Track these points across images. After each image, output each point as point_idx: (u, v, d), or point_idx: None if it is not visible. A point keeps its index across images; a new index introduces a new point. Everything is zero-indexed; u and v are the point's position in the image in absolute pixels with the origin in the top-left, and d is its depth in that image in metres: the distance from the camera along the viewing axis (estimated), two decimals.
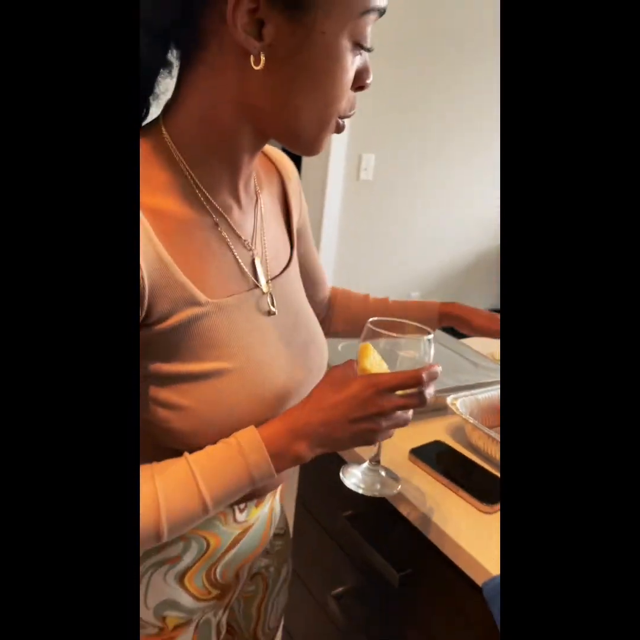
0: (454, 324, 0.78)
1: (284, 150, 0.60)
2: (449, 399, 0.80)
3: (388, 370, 0.53)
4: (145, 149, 0.48)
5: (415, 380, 0.49)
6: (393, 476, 0.60)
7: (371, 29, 0.48)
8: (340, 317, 0.82)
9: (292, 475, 0.64)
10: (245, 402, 0.50)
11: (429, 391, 0.51)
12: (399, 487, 0.60)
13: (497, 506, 0.65)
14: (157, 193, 0.47)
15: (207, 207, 0.50)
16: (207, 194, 0.50)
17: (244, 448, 0.47)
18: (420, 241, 2.75)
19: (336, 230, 2.40)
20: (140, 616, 0.56)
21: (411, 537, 0.67)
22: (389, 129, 2.42)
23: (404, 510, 0.67)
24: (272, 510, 0.63)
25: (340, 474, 0.60)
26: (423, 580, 0.67)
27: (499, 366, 0.95)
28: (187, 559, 0.55)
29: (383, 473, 0.60)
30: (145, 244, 0.44)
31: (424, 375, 0.49)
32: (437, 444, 0.77)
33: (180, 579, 0.56)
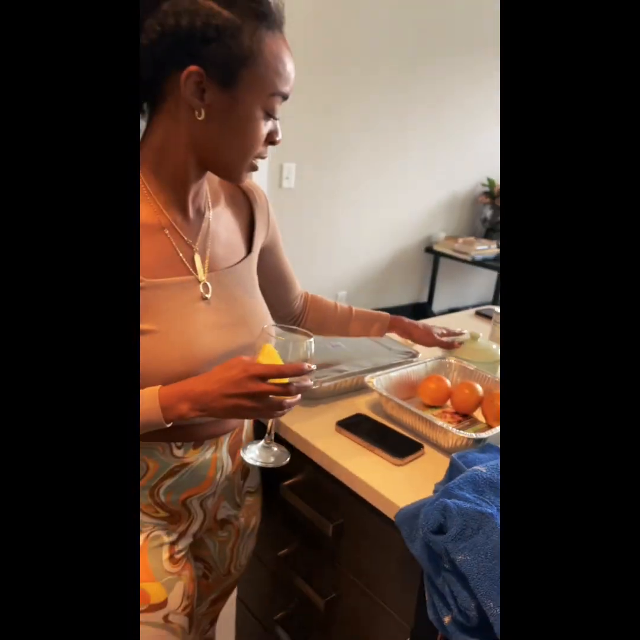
0: (398, 333, 1.07)
1: None
2: (366, 378, 0.94)
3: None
4: None
5: (277, 372, 0.63)
6: (283, 451, 0.75)
7: (279, 104, 0.69)
8: (311, 317, 1.04)
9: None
10: (165, 360, 0.66)
11: (305, 384, 0.66)
12: (288, 459, 0.75)
13: (406, 459, 0.80)
14: None
15: (159, 216, 0.69)
16: (160, 207, 0.70)
17: (143, 396, 0.63)
18: (343, 243, 2.91)
19: None
20: None
21: (341, 491, 0.80)
22: (307, 140, 2.56)
23: (333, 470, 0.81)
24: (216, 459, 0.76)
25: (241, 452, 0.75)
26: (351, 527, 0.81)
27: (408, 349, 1.12)
28: None
29: (275, 449, 0.75)
30: None
31: (289, 371, 0.63)
32: (359, 416, 0.91)
33: None
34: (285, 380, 0.65)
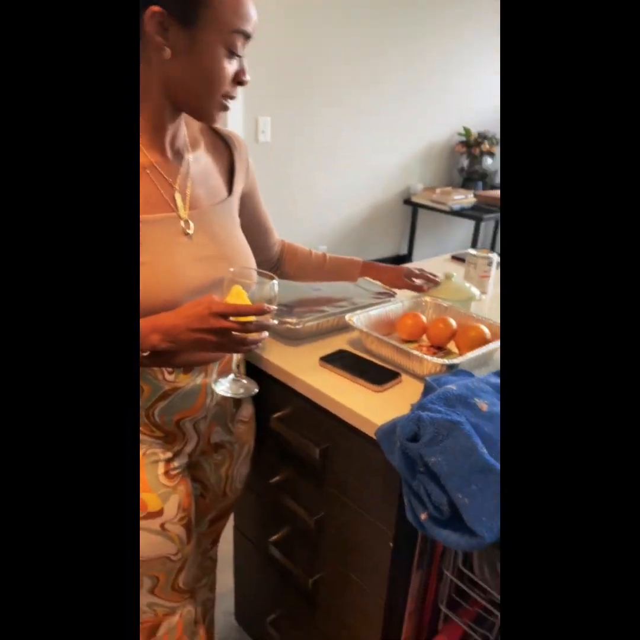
0: (370, 277, 1.14)
1: None
2: (347, 317, 1.00)
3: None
4: None
5: (237, 311, 0.68)
6: (251, 383, 0.81)
7: (242, 43, 0.71)
8: (288, 264, 1.11)
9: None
10: (152, 289, 0.71)
11: (265, 323, 0.71)
12: (256, 389, 0.81)
13: (385, 386, 0.86)
14: None
15: (140, 157, 0.74)
16: (142, 148, 0.75)
17: None
18: (321, 197, 2.92)
19: None
20: None
21: (326, 419, 0.87)
22: (281, 93, 2.53)
23: (318, 400, 0.87)
24: (206, 384, 0.81)
25: (212, 384, 0.80)
26: (336, 450, 0.88)
27: (386, 290, 1.17)
28: None
29: (244, 381, 0.81)
30: None
31: (247, 310, 0.68)
32: (341, 352, 0.97)
33: None
34: (250, 318, 0.69)
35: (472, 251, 1.33)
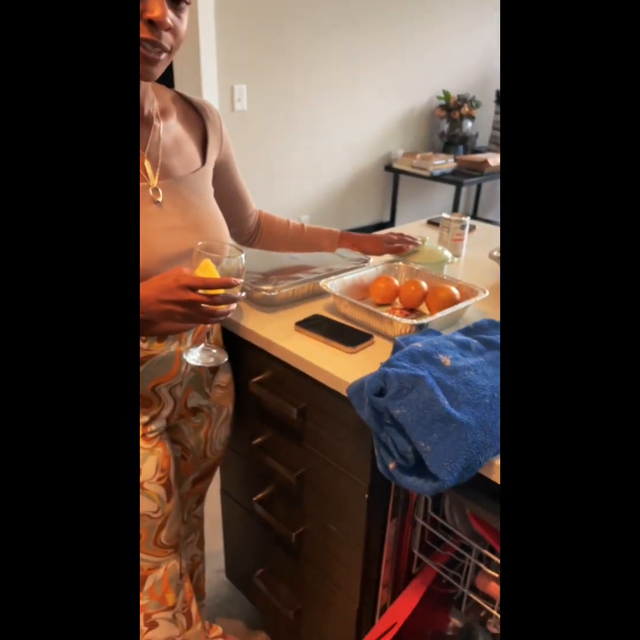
0: (349, 247, 1.13)
1: None
2: (322, 282, 1.03)
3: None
4: None
5: (203, 284, 0.69)
6: (221, 352, 0.83)
7: None
8: (265, 235, 1.11)
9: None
10: None
11: (232, 296, 0.72)
12: (226, 358, 0.83)
13: (358, 347, 0.90)
14: None
15: None
16: None
17: None
18: (301, 165, 2.90)
19: None
20: None
21: (302, 381, 0.91)
22: (256, 60, 2.49)
23: (294, 363, 0.90)
24: (180, 352, 0.84)
25: (183, 354, 0.82)
26: (313, 410, 0.92)
27: (360, 256, 1.19)
28: None
29: (214, 351, 0.83)
30: None
31: (214, 283, 0.70)
32: (315, 316, 1.00)
33: None
34: (218, 291, 0.71)
35: (446, 215, 1.36)
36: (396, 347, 0.82)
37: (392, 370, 0.70)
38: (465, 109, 3.32)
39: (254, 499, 1.11)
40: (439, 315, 0.93)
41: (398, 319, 0.91)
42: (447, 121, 3.42)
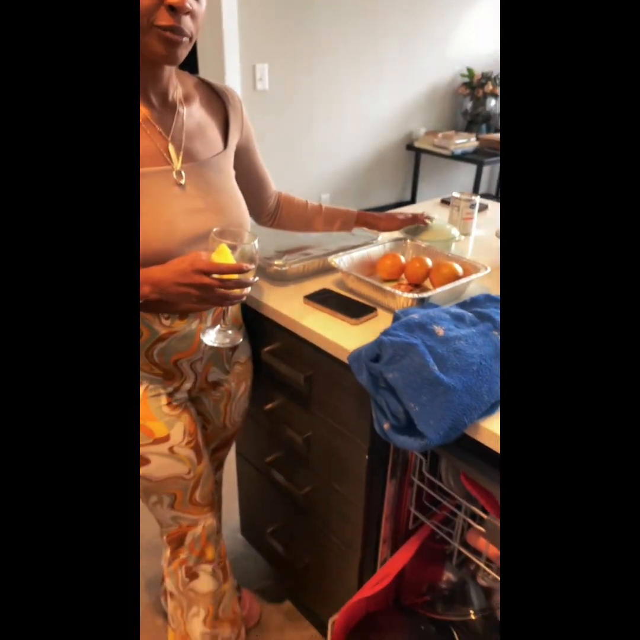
0: (365, 226, 1.18)
1: None
2: (330, 258, 1.08)
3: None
4: None
5: (217, 269, 0.73)
6: (236, 333, 0.87)
7: None
8: (285, 215, 1.14)
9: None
10: (146, 239, 0.76)
11: (245, 281, 0.76)
12: (241, 339, 0.87)
13: (361, 319, 0.95)
14: None
15: None
16: None
17: None
18: (323, 144, 2.93)
19: None
20: None
21: (309, 350, 0.97)
22: (278, 39, 2.52)
23: (302, 334, 0.97)
24: (201, 329, 0.89)
25: (201, 335, 0.86)
26: (319, 377, 0.99)
27: (371, 234, 1.24)
28: None
29: (230, 332, 0.87)
30: None
31: (227, 268, 0.73)
32: (324, 290, 1.06)
33: None
34: (232, 276, 0.74)
35: (456, 194, 1.39)
36: (395, 319, 0.87)
37: (387, 338, 0.76)
38: (489, 87, 3.29)
39: (266, 460, 1.19)
40: (439, 290, 0.98)
41: (400, 293, 0.96)
42: (470, 99, 3.39)
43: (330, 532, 1.11)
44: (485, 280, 1.11)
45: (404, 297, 0.96)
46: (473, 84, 3.31)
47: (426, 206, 1.66)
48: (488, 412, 0.73)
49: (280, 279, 1.10)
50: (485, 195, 2.96)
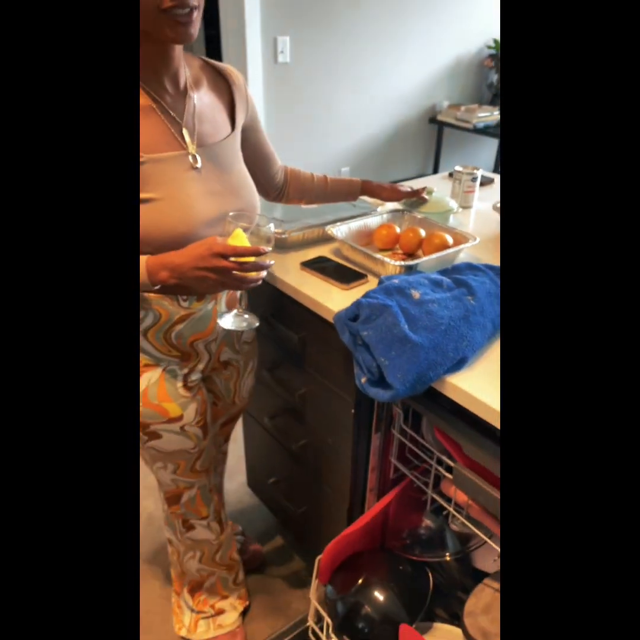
0: (369, 195, 1.21)
1: None
2: (327, 228, 1.15)
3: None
4: None
5: (234, 251, 0.74)
6: (253, 317, 0.90)
7: None
8: (292, 188, 1.16)
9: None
10: (169, 223, 0.79)
11: (261, 264, 0.78)
12: (257, 323, 0.89)
13: (352, 285, 1.02)
14: None
15: (145, 94, 0.81)
16: (145, 86, 0.80)
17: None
18: (342, 118, 2.95)
19: (261, 114, 2.58)
20: None
21: (304, 313, 1.05)
22: (299, 10, 2.53)
23: (297, 297, 1.05)
24: (216, 311, 0.93)
25: (218, 319, 0.89)
26: (311, 338, 1.07)
27: (370, 205, 1.30)
28: (148, 322, 0.87)
29: (246, 316, 0.90)
30: None
31: (244, 251, 0.75)
32: (321, 258, 1.13)
33: (145, 333, 0.88)
34: (249, 259, 0.76)
35: (459, 168, 1.43)
36: (379, 284, 0.94)
37: (365, 300, 0.83)
38: None
39: (267, 416, 1.29)
40: (425, 258, 1.04)
41: (389, 260, 1.03)
42: (496, 72, 3.34)
43: (323, 482, 1.21)
44: (478, 251, 1.16)
45: (393, 264, 1.02)
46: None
47: (435, 179, 1.70)
48: (453, 368, 0.80)
49: (281, 246, 1.18)
50: None
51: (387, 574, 1.02)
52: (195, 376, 0.98)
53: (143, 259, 0.78)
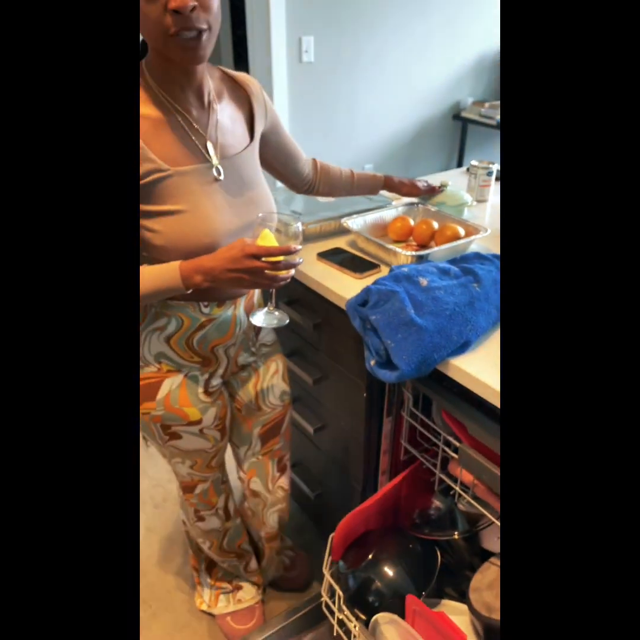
0: (390, 190, 1.27)
1: None
2: (343, 220, 1.20)
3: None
4: None
5: (266, 252, 0.76)
6: (283, 315, 0.90)
7: None
8: (323, 183, 1.19)
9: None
10: (194, 234, 0.82)
11: (292, 262, 0.79)
12: (287, 320, 0.90)
13: (365, 274, 1.07)
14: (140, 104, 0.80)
15: (172, 109, 0.83)
16: (171, 101, 0.82)
17: (168, 269, 0.81)
18: (366, 116, 2.99)
19: (286, 113, 2.64)
20: (145, 359, 0.92)
21: (320, 301, 1.10)
22: (324, 10, 2.58)
23: (312, 286, 1.10)
24: (235, 316, 0.96)
25: (250, 316, 0.91)
26: (326, 325, 1.12)
27: (386, 200, 1.34)
28: (171, 329, 0.91)
29: (277, 313, 0.90)
30: None
31: (276, 250, 0.77)
32: (336, 249, 1.18)
33: (168, 340, 0.92)
34: (279, 258, 0.78)
35: (475, 162, 1.46)
36: (390, 272, 0.98)
37: (374, 286, 0.88)
38: None
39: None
40: (436, 248, 1.08)
41: (401, 250, 1.07)
42: None
43: (334, 462, 1.26)
44: (486, 241, 1.19)
45: (404, 254, 1.07)
46: None
47: (453, 174, 1.73)
48: (457, 351, 0.84)
49: None
50: None
51: (397, 551, 1.07)
52: (216, 381, 1.01)
53: (176, 264, 0.81)
